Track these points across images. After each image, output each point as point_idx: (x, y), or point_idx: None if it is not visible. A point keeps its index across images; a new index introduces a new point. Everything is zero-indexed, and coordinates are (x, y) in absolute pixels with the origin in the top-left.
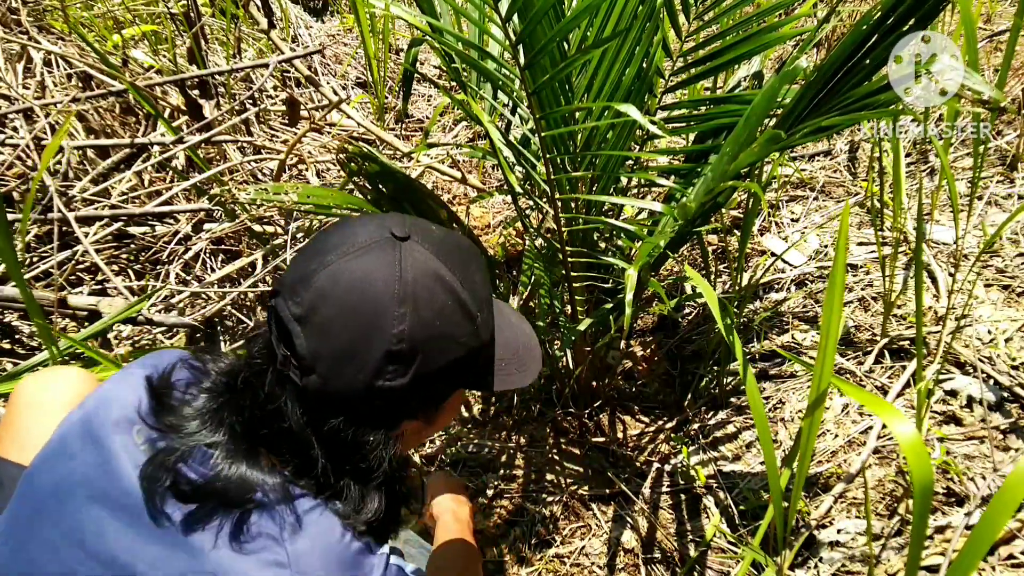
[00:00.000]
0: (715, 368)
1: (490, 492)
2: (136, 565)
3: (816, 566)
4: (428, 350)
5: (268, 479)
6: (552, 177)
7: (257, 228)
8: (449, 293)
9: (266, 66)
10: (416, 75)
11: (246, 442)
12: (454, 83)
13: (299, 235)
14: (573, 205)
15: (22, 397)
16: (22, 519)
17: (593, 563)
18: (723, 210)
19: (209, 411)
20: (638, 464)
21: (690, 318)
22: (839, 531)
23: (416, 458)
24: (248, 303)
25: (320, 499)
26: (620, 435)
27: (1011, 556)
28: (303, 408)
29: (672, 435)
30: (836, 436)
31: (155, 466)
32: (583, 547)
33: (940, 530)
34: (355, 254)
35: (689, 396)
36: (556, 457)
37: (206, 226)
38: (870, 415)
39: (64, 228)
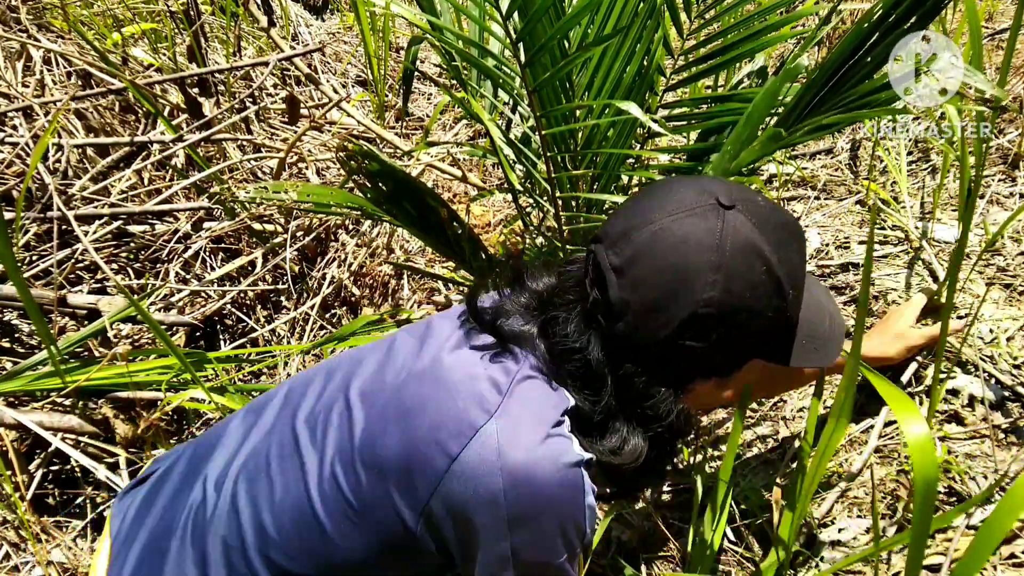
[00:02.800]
0: None
1: None
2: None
3: (817, 565)
4: (733, 319)
5: (540, 346)
6: (553, 175)
7: (257, 226)
8: (764, 268)
9: (266, 64)
10: (416, 73)
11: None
12: (454, 81)
13: (299, 233)
14: (574, 203)
15: None
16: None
17: (593, 562)
18: None
19: (524, 306)
20: None
21: None
22: (840, 530)
23: None
24: (248, 302)
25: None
26: None
27: (1012, 555)
28: (604, 350)
29: None
30: None
31: (482, 309)
32: None
33: (941, 529)
34: (679, 215)
35: None
36: None
37: (206, 224)
38: (872, 414)
39: (63, 227)
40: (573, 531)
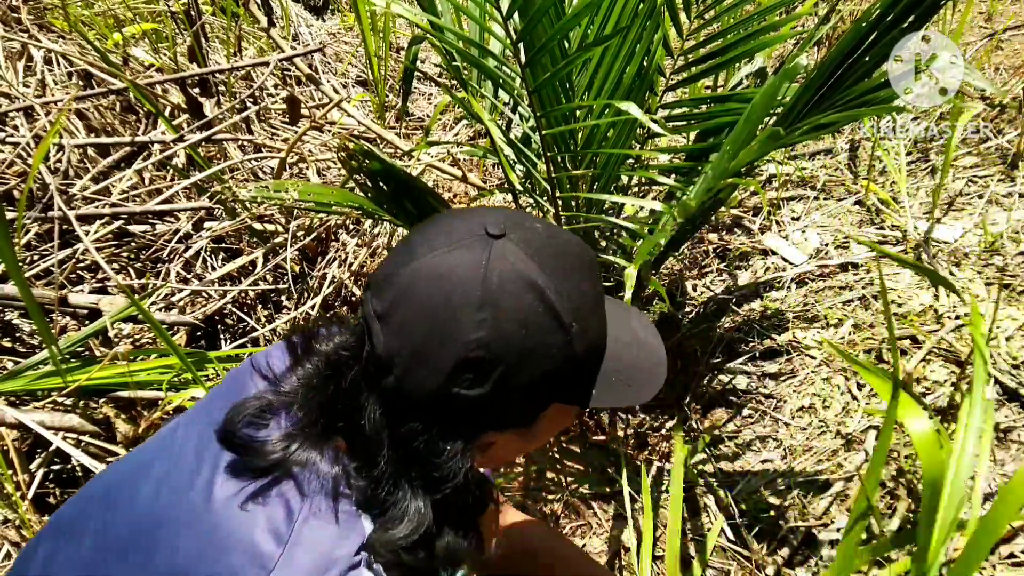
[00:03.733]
0: (716, 367)
1: None
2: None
3: (816, 565)
4: (511, 360)
5: (323, 467)
6: (553, 175)
7: (258, 226)
8: (540, 300)
9: (266, 64)
10: (417, 73)
11: (324, 424)
12: (455, 81)
13: (299, 233)
14: (574, 203)
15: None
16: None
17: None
18: (724, 208)
19: (306, 382)
20: (638, 463)
21: (691, 316)
22: (839, 529)
23: None
24: (249, 301)
25: (360, 509)
26: (620, 433)
27: (1012, 555)
28: (382, 408)
29: (672, 434)
30: (836, 435)
31: (237, 408)
32: (584, 545)
33: None
34: (442, 251)
35: (689, 395)
36: (557, 455)
37: (207, 224)
38: (869, 414)
39: (64, 226)
40: None
